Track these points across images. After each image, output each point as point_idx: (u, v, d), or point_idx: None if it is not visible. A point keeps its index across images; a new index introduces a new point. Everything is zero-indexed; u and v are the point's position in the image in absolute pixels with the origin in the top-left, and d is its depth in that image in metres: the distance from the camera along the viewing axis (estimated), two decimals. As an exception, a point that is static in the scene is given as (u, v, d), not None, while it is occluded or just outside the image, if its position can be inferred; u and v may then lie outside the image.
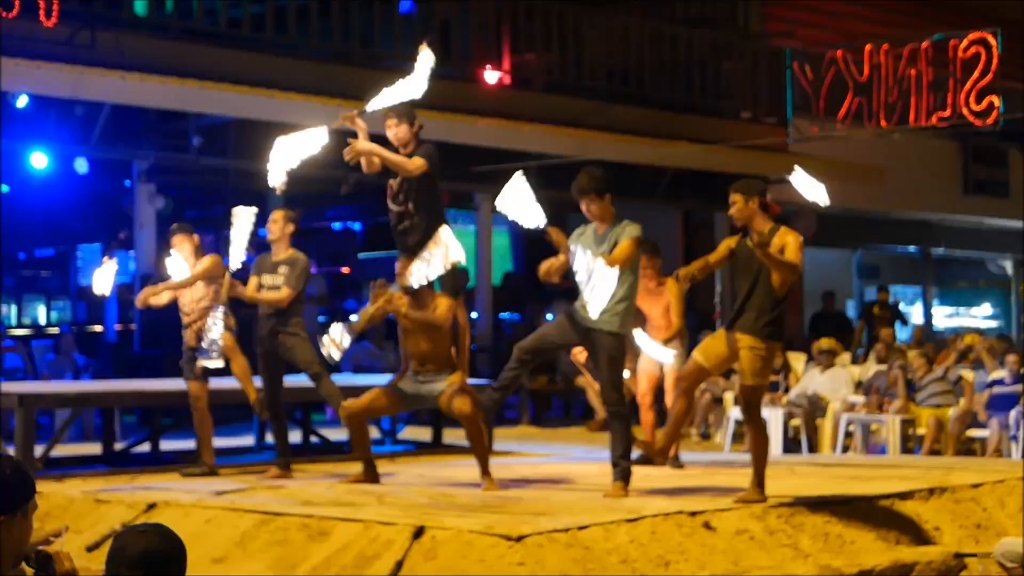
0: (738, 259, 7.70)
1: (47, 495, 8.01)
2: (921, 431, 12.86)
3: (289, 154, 8.04)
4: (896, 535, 7.62)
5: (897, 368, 13.12)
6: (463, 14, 16.40)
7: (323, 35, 14.96)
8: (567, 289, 8.26)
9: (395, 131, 8.44)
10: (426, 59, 7.90)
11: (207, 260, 9.23)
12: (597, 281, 7.53)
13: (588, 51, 17.19)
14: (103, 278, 9.38)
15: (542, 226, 7.56)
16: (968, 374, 13.62)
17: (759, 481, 7.59)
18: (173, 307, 9.43)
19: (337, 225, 21.07)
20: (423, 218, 8.40)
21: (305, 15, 14.73)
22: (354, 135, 8.32)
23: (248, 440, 12.04)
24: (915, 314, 25.50)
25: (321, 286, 18.08)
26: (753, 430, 7.78)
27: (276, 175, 8.06)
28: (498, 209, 7.64)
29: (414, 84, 7.92)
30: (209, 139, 14.77)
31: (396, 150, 8.41)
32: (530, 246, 19.19)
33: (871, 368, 14.32)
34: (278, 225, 9.18)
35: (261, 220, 9.10)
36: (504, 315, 19.14)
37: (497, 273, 18.73)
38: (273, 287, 9.08)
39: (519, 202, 7.53)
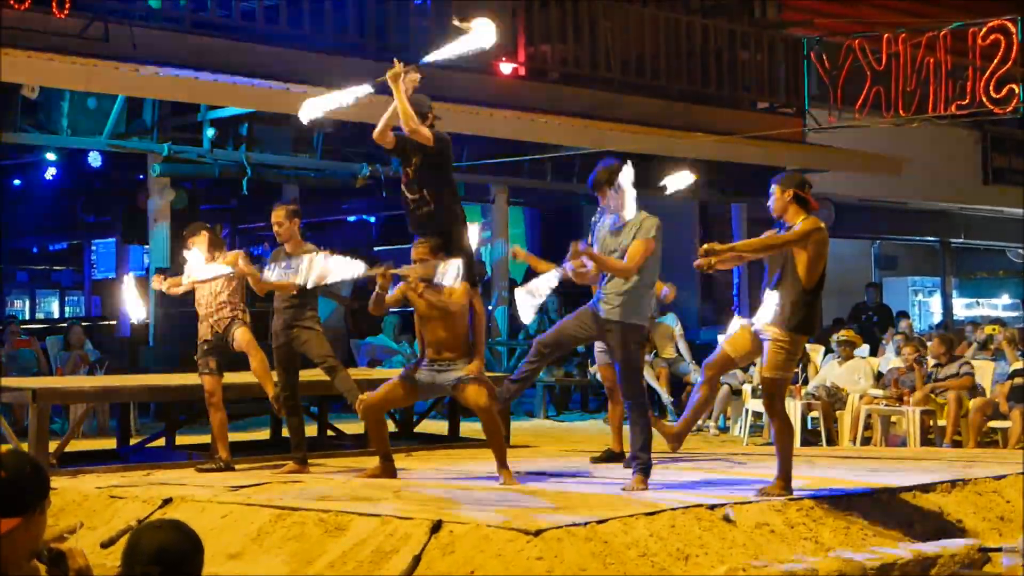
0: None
1: (62, 491, 7.97)
2: (942, 422, 12.76)
3: (325, 102, 8.27)
4: (918, 528, 7.54)
5: (915, 360, 13.03)
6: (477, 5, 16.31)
7: (337, 27, 14.91)
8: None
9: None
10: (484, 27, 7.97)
11: (230, 256, 9.19)
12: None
13: (603, 42, 17.11)
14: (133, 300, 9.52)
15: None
16: (988, 364, 13.52)
17: (784, 475, 7.51)
18: (188, 301, 9.42)
19: (352, 218, 21.05)
20: (439, 204, 8.46)
21: (319, 7, 14.68)
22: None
23: (264, 434, 11.99)
24: (934, 304, 25.39)
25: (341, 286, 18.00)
26: (775, 423, 7.70)
27: (309, 111, 8.32)
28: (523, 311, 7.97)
29: (480, 36, 7.97)
30: (223, 132, 14.73)
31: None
32: (545, 238, 19.14)
33: (890, 360, 14.22)
34: (284, 226, 9.11)
35: (263, 216, 9.08)
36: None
37: (515, 268, 18.63)
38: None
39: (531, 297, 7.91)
